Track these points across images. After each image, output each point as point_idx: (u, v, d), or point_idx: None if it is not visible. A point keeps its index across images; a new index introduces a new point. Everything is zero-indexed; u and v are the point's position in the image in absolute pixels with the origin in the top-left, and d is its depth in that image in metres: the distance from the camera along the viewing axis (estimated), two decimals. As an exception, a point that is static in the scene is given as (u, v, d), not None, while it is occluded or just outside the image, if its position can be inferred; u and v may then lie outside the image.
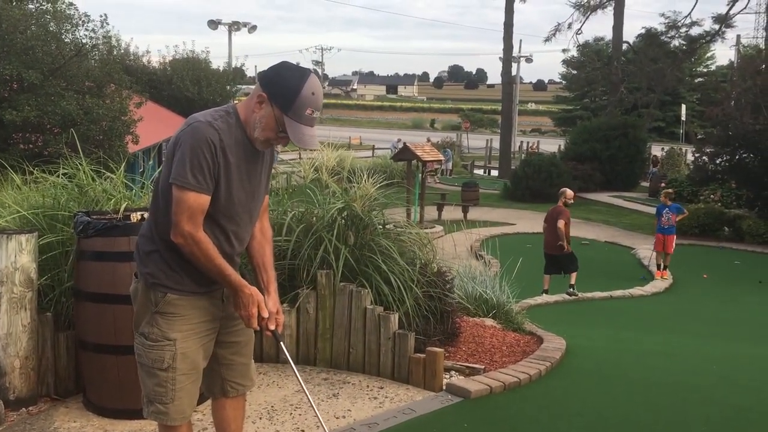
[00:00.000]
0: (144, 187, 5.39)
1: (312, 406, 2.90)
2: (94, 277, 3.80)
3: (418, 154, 16.75)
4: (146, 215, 4.09)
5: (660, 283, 12.42)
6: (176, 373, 2.64)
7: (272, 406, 4.05)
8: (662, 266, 13.11)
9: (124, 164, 5.31)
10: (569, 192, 11.31)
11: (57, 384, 4.13)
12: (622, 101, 30.69)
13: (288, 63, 2.63)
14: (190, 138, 2.50)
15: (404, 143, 18.35)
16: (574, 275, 10.82)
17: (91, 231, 3.78)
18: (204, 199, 2.52)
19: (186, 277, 2.63)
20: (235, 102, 3.16)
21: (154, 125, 17.73)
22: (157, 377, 2.65)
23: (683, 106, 33.34)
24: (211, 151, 2.49)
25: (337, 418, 3.95)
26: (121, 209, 4.20)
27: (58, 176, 4.86)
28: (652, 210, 13.92)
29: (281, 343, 2.78)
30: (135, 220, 4.05)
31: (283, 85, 2.52)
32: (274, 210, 5.23)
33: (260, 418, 3.87)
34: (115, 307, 3.75)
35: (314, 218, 5.26)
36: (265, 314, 2.66)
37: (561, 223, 10.74)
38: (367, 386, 4.47)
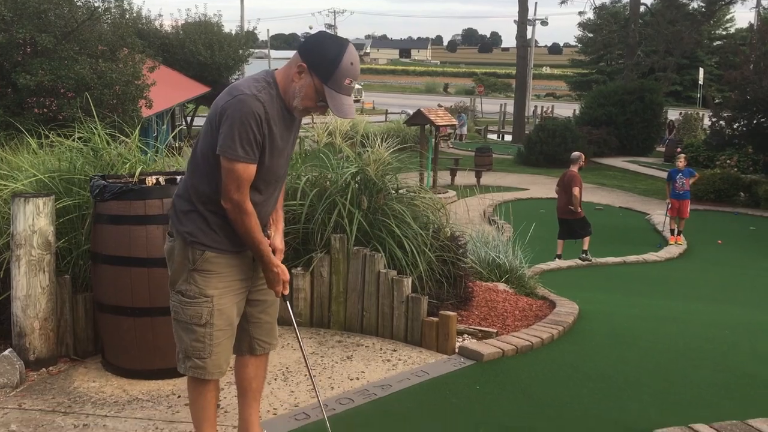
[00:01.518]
0: (158, 151, 5.41)
1: (306, 366, 2.94)
2: (111, 241, 3.84)
3: (432, 118, 16.65)
4: (161, 179, 4.14)
5: (674, 248, 12.37)
6: (213, 329, 2.73)
7: (287, 368, 4.11)
8: (676, 232, 13.05)
9: (138, 128, 5.32)
10: (584, 157, 11.23)
11: (76, 345, 4.21)
12: (639, 65, 30.22)
13: (326, 33, 2.68)
14: (238, 111, 2.55)
15: (419, 108, 18.20)
16: (587, 240, 10.79)
17: (107, 195, 3.81)
18: (252, 169, 2.62)
19: (223, 236, 2.71)
20: (274, 69, 3.17)
21: (167, 89, 17.69)
22: (194, 333, 2.73)
23: (701, 70, 32.77)
24: (257, 124, 2.56)
25: (351, 379, 4.00)
26: (137, 173, 4.22)
27: (74, 140, 4.88)
28: (666, 176, 13.79)
29: (288, 302, 2.94)
30: (150, 184, 4.07)
31: (323, 55, 2.57)
32: (288, 174, 5.23)
33: (275, 379, 3.92)
34: (131, 269, 3.79)
35: (328, 182, 5.27)
36: (287, 291, 2.85)
37: (577, 191, 10.67)
38: (381, 349, 4.52)
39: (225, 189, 2.60)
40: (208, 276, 2.71)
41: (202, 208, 2.71)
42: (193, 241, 2.70)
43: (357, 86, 53.96)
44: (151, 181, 4.12)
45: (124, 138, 5.03)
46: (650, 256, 11.48)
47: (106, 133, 4.91)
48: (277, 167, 2.75)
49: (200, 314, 2.71)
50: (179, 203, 2.77)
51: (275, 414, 3.50)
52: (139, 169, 4.32)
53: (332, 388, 3.88)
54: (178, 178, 4.20)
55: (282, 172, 2.82)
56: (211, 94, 23.48)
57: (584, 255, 10.66)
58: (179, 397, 3.68)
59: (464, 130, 33.22)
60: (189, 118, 26.42)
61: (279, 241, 2.90)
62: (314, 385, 3.02)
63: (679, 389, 4.12)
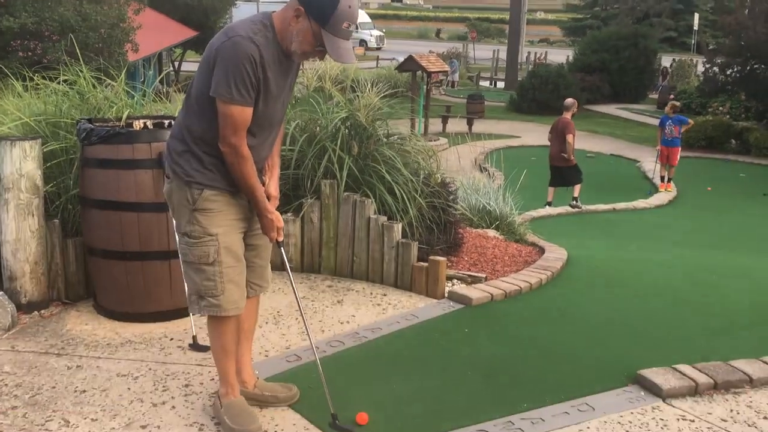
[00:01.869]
0: (145, 95, 5.34)
1: (299, 309, 2.97)
2: (99, 185, 3.82)
3: (423, 64, 16.45)
4: (149, 123, 4.10)
5: (663, 195, 12.43)
6: (222, 267, 2.74)
7: (278, 312, 4.15)
8: (666, 179, 13.09)
9: (124, 72, 5.24)
10: (577, 104, 11.17)
11: (67, 289, 4.22)
12: (634, 9, 29.84)
13: None
14: (232, 53, 2.53)
15: (410, 54, 17.96)
16: (578, 188, 10.82)
17: (94, 138, 3.77)
18: (248, 112, 2.60)
19: (219, 175, 2.72)
20: (272, 12, 3.09)
21: (153, 33, 17.33)
22: (204, 272, 2.74)
23: (696, 15, 32.41)
24: (252, 67, 2.54)
25: (341, 323, 4.05)
26: (124, 117, 4.17)
27: (59, 83, 4.81)
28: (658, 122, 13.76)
29: (281, 248, 2.95)
30: (138, 128, 4.03)
31: None
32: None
33: (267, 323, 3.96)
34: (121, 214, 3.79)
35: (318, 128, 5.23)
36: (281, 238, 2.86)
37: (571, 138, 10.65)
38: (371, 293, 4.56)
39: (222, 132, 2.60)
40: (210, 215, 2.72)
41: (196, 149, 2.70)
42: (189, 180, 2.71)
43: (379, 33, 51.71)
44: (138, 125, 4.08)
45: (110, 81, 4.96)
46: (640, 203, 11.55)
47: (92, 77, 4.84)
48: (272, 112, 2.73)
49: (207, 253, 2.73)
50: (173, 144, 2.77)
51: (267, 356, 3.55)
52: (126, 113, 4.27)
53: (323, 331, 3.93)
54: (167, 122, 4.16)
55: (278, 117, 2.81)
56: (198, 39, 23.07)
57: (574, 202, 10.71)
58: (171, 339, 3.72)
59: (456, 76, 32.89)
60: (176, 63, 26.00)
61: (274, 188, 2.91)
62: (306, 328, 3.06)
63: (663, 331, 4.19)
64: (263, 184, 2.84)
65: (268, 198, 2.83)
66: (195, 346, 3.60)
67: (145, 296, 3.89)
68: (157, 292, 3.89)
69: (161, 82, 16.65)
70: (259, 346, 3.64)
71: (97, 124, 4.01)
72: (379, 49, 38.52)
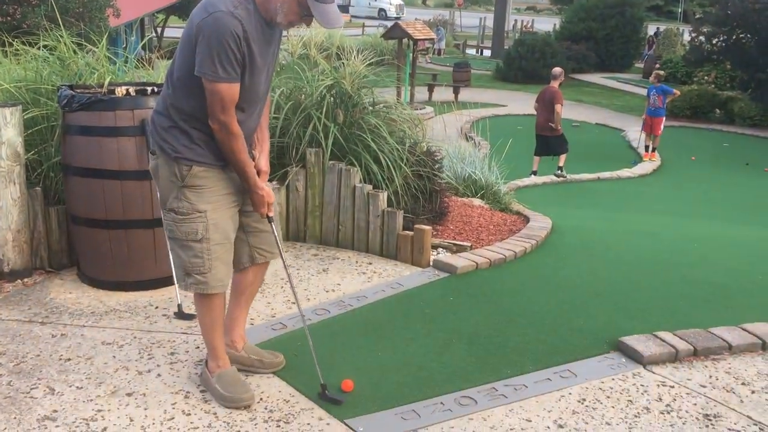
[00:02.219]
0: (127, 61, 5.25)
1: (288, 277, 2.97)
2: (81, 152, 3.77)
3: (410, 32, 16.30)
4: (131, 90, 4.04)
5: (648, 164, 12.50)
6: (210, 243, 2.72)
7: (264, 281, 4.14)
8: (650, 148, 13.14)
9: (105, 37, 5.15)
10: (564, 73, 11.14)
11: (51, 257, 4.20)
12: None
13: None
14: (214, 30, 2.48)
15: (396, 21, 17.79)
16: (563, 157, 10.84)
17: (75, 105, 3.71)
18: (235, 89, 2.58)
19: (207, 151, 2.69)
20: None
21: (134, -2, 17.03)
22: (192, 249, 2.72)
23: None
24: (236, 42, 2.51)
25: (327, 291, 4.06)
26: (106, 83, 4.11)
27: (39, 49, 4.72)
28: (645, 92, 13.78)
29: (272, 223, 2.92)
30: (120, 95, 3.98)
31: None
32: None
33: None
34: (104, 182, 3.75)
35: (303, 96, 5.18)
36: (272, 213, 2.85)
37: (559, 107, 10.63)
38: (356, 262, 4.57)
39: (210, 110, 2.57)
40: (199, 191, 2.69)
41: (184, 125, 2.67)
42: (177, 156, 2.66)
43: (399, 1, 50.72)
44: (121, 91, 4.03)
45: (91, 47, 4.87)
46: (624, 173, 11.61)
47: (72, 43, 4.75)
48: (258, 84, 2.70)
49: (195, 230, 2.70)
50: (159, 120, 2.72)
51: (252, 324, 3.56)
52: (108, 80, 4.21)
53: (308, 299, 3.94)
54: (149, 89, 4.11)
55: (264, 88, 2.77)
56: (181, 4, 22.69)
57: (559, 171, 10.74)
58: (157, 308, 3.72)
59: (442, 44, 32.64)
60: (159, 29, 25.60)
61: (264, 163, 2.89)
62: (295, 297, 3.06)
63: (646, 299, 4.24)
64: (253, 159, 2.82)
65: (259, 173, 2.80)
66: (180, 315, 3.60)
67: (129, 264, 3.88)
68: (141, 261, 3.88)
69: (144, 48, 16.39)
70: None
71: (78, 90, 3.96)
72: (398, 18, 38.11)
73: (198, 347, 3.28)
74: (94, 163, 3.74)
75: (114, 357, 3.18)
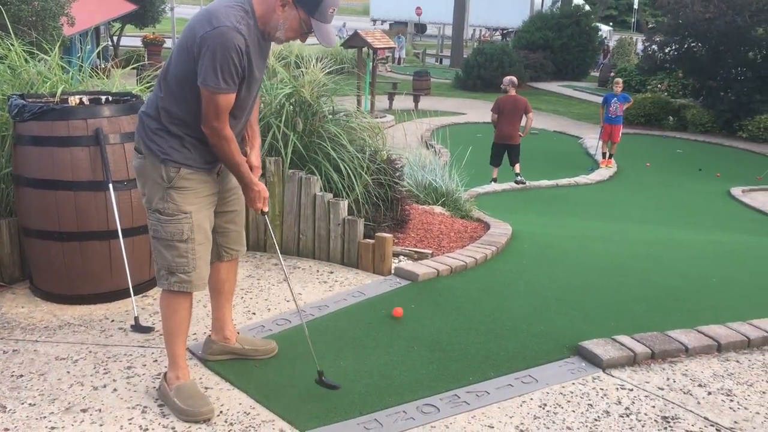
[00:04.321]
0: (81, 70, 5.15)
1: (288, 285, 2.95)
2: (34, 163, 3.68)
3: (369, 40, 16.34)
4: (85, 99, 3.96)
5: (604, 171, 12.71)
6: (195, 244, 2.79)
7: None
8: (608, 155, 13.38)
9: (58, 45, 5.05)
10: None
11: (2, 271, 4.07)
12: (577, -12, 30.18)
13: None
14: (219, 44, 2.55)
15: (356, 30, 17.82)
16: (518, 165, 10.95)
17: (26, 114, 3.62)
18: (231, 98, 2.66)
19: (196, 154, 2.76)
20: None
21: (90, 7, 16.77)
22: (177, 249, 2.78)
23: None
24: (239, 57, 2.59)
25: (287, 301, 4.02)
26: (58, 92, 4.02)
27: (-12, 57, 4.60)
28: (601, 100, 14.04)
29: (266, 216, 3.06)
30: (73, 104, 3.89)
31: None
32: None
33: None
34: (57, 193, 3.66)
35: (262, 104, 5.14)
36: (266, 208, 2.95)
37: (532, 115, 10.79)
38: (317, 271, 4.55)
39: (205, 116, 2.65)
40: (184, 193, 2.75)
41: (174, 128, 2.73)
42: (166, 158, 2.72)
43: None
44: (74, 101, 3.95)
45: (43, 56, 4.77)
46: (582, 179, 11.78)
47: (24, 51, 4.64)
48: (252, 94, 2.82)
49: (181, 230, 2.76)
50: (148, 121, 2.76)
51: (197, 340, 3.49)
52: (60, 89, 4.12)
53: (269, 309, 3.90)
54: (104, 98, 4.03)
55: (255, 94, 2.88)
56: (137, 13, 22.40)
57: (519, 178, 10.84)
58: (113, 321, 3.63)
59: (402, 53, 32.84)
60: (115, 38, 25.22)
61: (255, 158, 3.00)
62: (293, 297, 3.09)
63: (604, 303, 4.30)
64: (245, 155, 2.92)
65: (251, 168, 2.91)
66: (137, 327, 3.53)
67: (84, 277, 3.79)
68: (96, 273, 3.79)
69: (100, 56, 16.11)
70: (203, 326, 3.59)
71: (29, 99, 3.87)
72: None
73: (156, 360, 3.22)
74: (47, 174, 3.65)
75: (68, 372, 3.10)
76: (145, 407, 2.85)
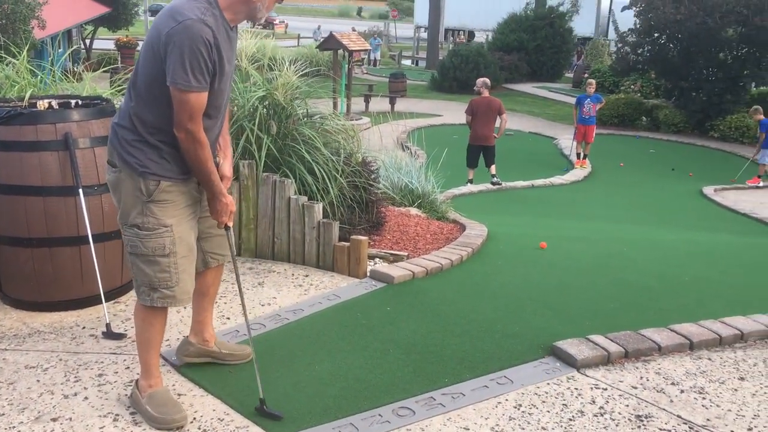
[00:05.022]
0: (52, 74, 5.08)
1: (240, 294, 2.93)
2: (2, 168, 3.61)
3: (345, 43, 16.33)
4: (54, 103, 3.91)
5: (579, 171, 12.82)
6: (177, 257, 2.71)
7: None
8: (582, 155, 13.50)
9: (26, 49, 4.97)
10: None
11: (-30, 279, 4.00)
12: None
13: None
14: (186, 38, 2.45)
15: (331, 32, 17.79)
16: (494, 166, 11.00)
17: (-7, 119, 3.56)
18: (204, 97, 2.56)
19: (174, 165, 2.67)
20: None
21: (62, 10, 16.57)
22: (158, 264, 2.69)
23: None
24: (207, 51, 2.49)
25: (262, 305, 3.99)
26: (27, 97, 3.96)
27: (-46, 61, 4.52)
28: (574, 101, 14.17)
29: (229, 232, 2.93)
30: (42, 108, 3.83)
31: None
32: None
33: (184, 308, 3.86)
34: (26, 198, 3.60)
35: (235, 107, 5.11)
36: (231, 222, 2.86)
37: (506, 116, 10.85)
38: (293, 274, 4.52)
39: (178, 119, 2.53)
40: (164, 206, 2.66)
41: (151, 138, 2.62)
42: (145, 171, 2.62)
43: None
44: (43, 105, 3.88)
45: (11, 59, 4.69)
46: (557, 180, 11.87)
47: (-9, 54, 4.57)
48: (224, 90, 2.71)
49: (162, 245, 2.67)
50: (123, 133, 2.65)
51: (170, 346, 3.46)
52: (29, 93, 4.06)
53: (241, 314, 3.85)
54: (73, 102, 3.98)
55: (228, 94, 2.79)
56: (110, 15, 22.17)
57: (495, 179, 10.89)
58: (84, 328, 3.58)
59: (378, 54, 32.86)
60: (88, 41, 24.94)
61: (228, 169, 2.89)
62: (244, 309, 3.03)
63: (578, 303, 4.32)
64: (217, 165, 2.81)
65: (222, 178, 2.81)
66: (109, 334, 3.48)
67: (54, 284, 3.73)
68: (66, 280, 3.73)
69: (72, 60, 15.92)
70: (176, 332, 3.55)
71: (-4, 104, 3.80)
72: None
73: (128, 367, 3.18)
74: (15, 180, 3.58)
75: (38, 381, 3.05)
76: (117, 415, 2.80)
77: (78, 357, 3.27)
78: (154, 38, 2.53)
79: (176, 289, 2.73)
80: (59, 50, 15.12)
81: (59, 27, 15.02)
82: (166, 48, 2.48)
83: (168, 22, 2.49)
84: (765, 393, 3.26)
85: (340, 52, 16.73)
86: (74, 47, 18.90)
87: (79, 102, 3.99)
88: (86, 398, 2.92)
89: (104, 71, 5.56)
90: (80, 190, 3.61)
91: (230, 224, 2.86)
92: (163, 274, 2.70)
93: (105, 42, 27.66)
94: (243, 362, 3.22)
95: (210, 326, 3.21)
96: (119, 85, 5.03)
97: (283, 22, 44.31)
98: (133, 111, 2.62)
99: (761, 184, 12.67)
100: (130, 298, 3.96)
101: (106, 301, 3.66)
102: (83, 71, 5.33)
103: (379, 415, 2.89)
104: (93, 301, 3.74)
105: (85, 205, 3.62)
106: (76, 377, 3.09)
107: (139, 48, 24.32)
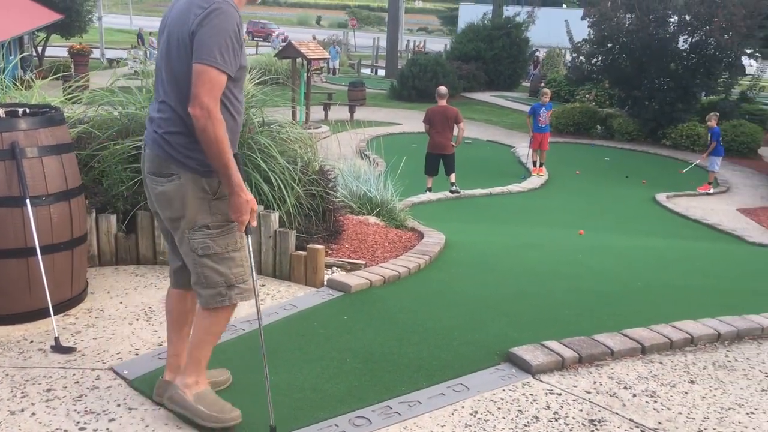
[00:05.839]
0: (0, 82, 4.96)
1: (256, 304, 2.87)
2: (-55, 179, 3.50)
3: (303, 51, 16.30)
4: (1, 112, 3.80)
5: (536, 179, 12.97)
6: (245, 251, 2.72)
7: (150, 307, 3.98)
8: (538, 163, 13.68)
9: (-27, 56, 4.84)
10: None
11: None
12: None
13: None
14: (222, 21, 2.45)
15: (289, 40, 17.75)
16: (454, 174, 11.08)
17: (-65, 128, 3.45)
18: (224, 78, 2.49)
19: None
20: None
21: (13, 15, 16.22)
22: (233, 260, 2.69)
23: (563, 6, 33.90)
24: (236, 34, 2.50)
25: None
26: (-29, 105, 3.85)
27: None
28: (528, 110, 14.38)
29: (249, 237, 2.76)
30: (-11, 117, 3.73)
31: None
32: (145, 107, 4.97)
33: (137, 320, 3.80)
34: (-26, 209, 3.49)
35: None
36: (254, 222, 2.70)
37: (463, 125, 10.93)
38: (249, 284, 4.47)
39: (195, 92, 2.43)
40: (225, 200, 2.63)
41: None
42: (207, 170, 2.58)
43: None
44: (-10, 112, 3.78)
45: (-44, 66, 4.56)
46: (514, 187, 11.99)
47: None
48: (242, 87, 2.70)
49: (234, 240, 2.68)
50: (176, 139, 2.57)
51: (137, 354, 3.39)
52: (-26, 101, 3.94)
53: (198, 325, 3.80)
54: (20, 110, 3.88)
55: (242, 100, 2.76)
56: (63, 23, 21.77)
57: (454, 187, 10.95)
58: (31, 342, 3.48)
59: (336, 63, 32.88)
60: (40, 48, 24.43)
61: None
62: (258, 312, 2.96)
63: (534, 309, 4.37)
64: None
65: None
66: (58, 348, 3.39)
67: (0, 297, 3.62)
68: (14, 293, 3.63)
69: (22, 68, 15.57)
70: (128, 344, 3.48)
71: (-61, 112, 3.68)
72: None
73: (77, 382, 3.10)
74: (-41, 190, 3.48)
75: (-17, 398, 2.95)
76: (65, 431, 2.73)
77: (25, 372, 3.18)
78: (184, 32, 2.49)
79: (249, 282, 2.73)
80: (10, 57, 14.78)
81: (9, 34, 14.68)
82: (198, 29, 2.44)
83: (195, 10, 2.48)
84: (714, 396, 3.33)
85: (299, 60, 16.69)
86: (23, 54, 18.47)
87: (27, 110, 3.89)
88: (33, 414, 2.84)
89: (55, 78, 5.44)
90: (27, 201, 3.52)
91: (253, 224, 2.69)
92: (238, 269, 2.70)
93: (58, 49, 27.15)
94: (223, 388, 3.06)
95: (185, 358, 2.89)
96: (69, 94, 4.94)
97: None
98: (181, 108, 2.55)
99: (711, 191, 13.03)
100: (80, 311, 3.87)
101: (55, 314, 3.57)
102: (33, 79, 5.21)
103: (336, 425, 2.87)
104: (41, 314, 3.64)
105: (33, 215, 3.53)
106: (23, 393, 3.00)
107: (93, 55, 23.92)
